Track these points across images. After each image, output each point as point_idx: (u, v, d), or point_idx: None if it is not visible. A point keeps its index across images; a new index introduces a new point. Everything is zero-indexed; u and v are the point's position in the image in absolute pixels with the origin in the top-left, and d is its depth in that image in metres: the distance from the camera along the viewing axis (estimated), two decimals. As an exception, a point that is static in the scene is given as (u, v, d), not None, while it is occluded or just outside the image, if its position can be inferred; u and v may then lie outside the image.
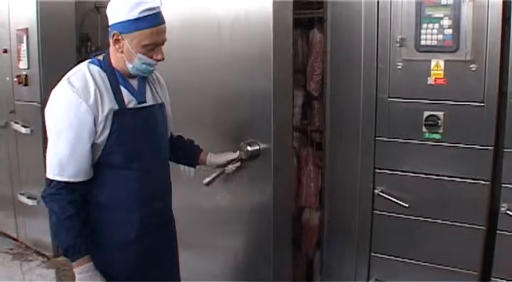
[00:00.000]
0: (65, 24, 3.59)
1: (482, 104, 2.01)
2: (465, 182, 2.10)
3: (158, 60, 1.88)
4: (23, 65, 3.65)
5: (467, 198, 2.10)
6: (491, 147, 2.04)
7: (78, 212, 1.83)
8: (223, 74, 2.38)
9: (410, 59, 2.11)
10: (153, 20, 1.81)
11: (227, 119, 2.42)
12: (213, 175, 2.35)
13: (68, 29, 3.62)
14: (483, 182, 2.06)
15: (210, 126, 2.48)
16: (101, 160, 1.86)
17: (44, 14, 3.47)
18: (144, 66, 1.87)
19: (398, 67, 2.13)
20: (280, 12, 2.14)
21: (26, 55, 3.61)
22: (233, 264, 2.48)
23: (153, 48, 1.85)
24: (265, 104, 2.17)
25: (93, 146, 1.83)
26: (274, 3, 2.09)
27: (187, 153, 2.27)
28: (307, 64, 2.60)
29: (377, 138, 2.21)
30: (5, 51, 3.87)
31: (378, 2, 2.12)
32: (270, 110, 2.15)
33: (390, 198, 2.20)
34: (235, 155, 2.27)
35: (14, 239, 4.14)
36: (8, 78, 3.86)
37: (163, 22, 1.85)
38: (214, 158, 2.27)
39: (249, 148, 2.25)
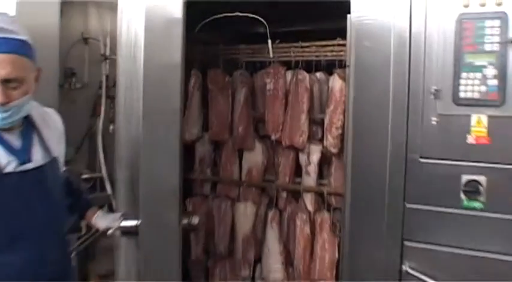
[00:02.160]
0: (47, 57, 3.13)
1: (533, 169, 1.78)
2: (510, 260, 1.83)
3: None
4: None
5: (513, 280, 1.83)
6: (542, 221, 1.78)
7: None
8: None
9: (447, 114, 1.90)
10: None
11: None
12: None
13: (50, 62, 3.22)
14: (532, 261, 1.80)
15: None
16: None
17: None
18: None
19: (433, 123, 1.91)
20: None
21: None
22: None
23: None
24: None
25: None
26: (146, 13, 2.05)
27: (73, 205, 1.97)
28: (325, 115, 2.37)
29: (406, 205, 1.97)
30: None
31: (409, 47, 1.92)
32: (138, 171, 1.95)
33: (421, 276, 1.93)
34: (116, 224, 1.96)
35: None
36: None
37: (5, 51, 1.54)
38: (98, 220, 2.01)
39: (122, 223, 1.96)
